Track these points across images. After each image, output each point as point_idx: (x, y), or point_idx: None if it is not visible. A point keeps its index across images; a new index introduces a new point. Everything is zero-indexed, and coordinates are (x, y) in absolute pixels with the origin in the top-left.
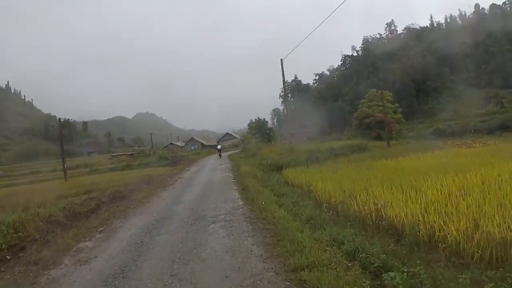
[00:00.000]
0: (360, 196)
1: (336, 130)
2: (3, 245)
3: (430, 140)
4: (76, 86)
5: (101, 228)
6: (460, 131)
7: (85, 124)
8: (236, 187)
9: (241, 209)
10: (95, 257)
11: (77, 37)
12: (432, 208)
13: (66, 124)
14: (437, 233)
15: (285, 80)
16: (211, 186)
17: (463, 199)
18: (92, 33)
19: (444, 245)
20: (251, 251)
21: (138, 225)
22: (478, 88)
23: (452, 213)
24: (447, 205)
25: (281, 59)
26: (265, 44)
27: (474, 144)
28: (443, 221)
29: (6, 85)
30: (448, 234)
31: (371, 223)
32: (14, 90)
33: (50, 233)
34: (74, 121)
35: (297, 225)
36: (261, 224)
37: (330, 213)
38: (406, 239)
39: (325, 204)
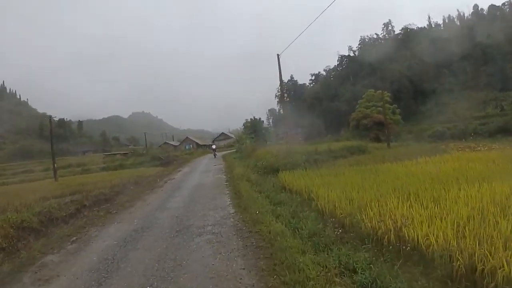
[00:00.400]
0: (372, 209)
1: (332, 131)
2: None
3: (430, 143)
4: (72, 85)
5: (74, 238)
6: (459, 133)
7: (80, 123)
8: (228, 192)
9: (231, 219)
10: (58, 275)
11: (73, 37)
12: (467, 230)
13: (61, 123)
14: (478, 265)
15: (281, 80)
16: (201, 190)
17: (502, 218)
18: (88, 33)
19: (492, 284)
20: (241, 279)
21: (114, 235)
22: (477, 90)
23: (493, 237)
24: (482, 225)
25: (278, 54)
26: (262, 44)
27: (479, 148)
28: (486, 249)
29: (1, 84)
30: (500, 269)
31: (390, 246)
32: (10, 89)
33: (21, 241)
34: (70, 120)
35: (297, 244)
36: (254, 240)
37: (336, 228)
38: (439, 271)
39: (331, 219)
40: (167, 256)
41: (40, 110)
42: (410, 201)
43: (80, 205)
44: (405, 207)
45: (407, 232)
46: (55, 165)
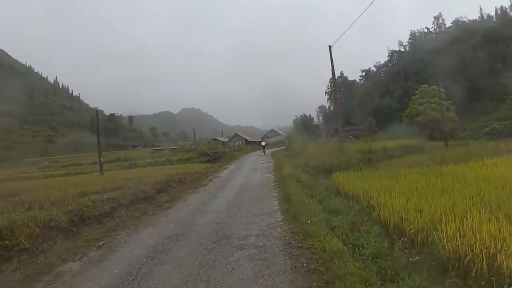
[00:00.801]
0: (450, 226)
1: (384, 128)
2: None
3: (487, 141)
4: (123, 82)
5: (101, 242)
6: None
7: (131, 118)
8: (276, 194)
9: (279, 229)
10: None
11: (126, 38)
12: None
13: (112, 118)
14: None
15: (334, 74)
16: (247, 191)
17: None
18: (140, 34)
19: None
20: None
21: (144, 242)
22: None
23: None
24: None
25: (330, 46)
26: (313, 37)
27: None
28: None
29: (54, 80)
30: None
31: (481, 279)
32: (62, 85)
33: (47, 241)
34: (121, 115)
35: (359, 270)
36: (305, 260)
37: (406, 249)
38: None
39: (401, 238)
40: (199, 277)
41: (92, 105)
42: (498, 215)
43: (116, 203)
44: (492, 224)
45: (504, 261)
46: (101, 159)
